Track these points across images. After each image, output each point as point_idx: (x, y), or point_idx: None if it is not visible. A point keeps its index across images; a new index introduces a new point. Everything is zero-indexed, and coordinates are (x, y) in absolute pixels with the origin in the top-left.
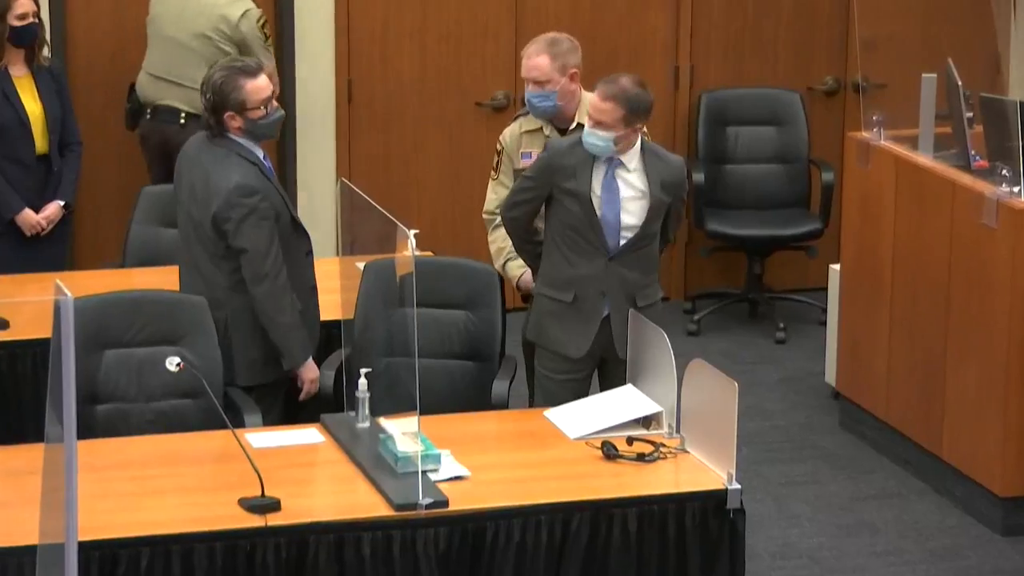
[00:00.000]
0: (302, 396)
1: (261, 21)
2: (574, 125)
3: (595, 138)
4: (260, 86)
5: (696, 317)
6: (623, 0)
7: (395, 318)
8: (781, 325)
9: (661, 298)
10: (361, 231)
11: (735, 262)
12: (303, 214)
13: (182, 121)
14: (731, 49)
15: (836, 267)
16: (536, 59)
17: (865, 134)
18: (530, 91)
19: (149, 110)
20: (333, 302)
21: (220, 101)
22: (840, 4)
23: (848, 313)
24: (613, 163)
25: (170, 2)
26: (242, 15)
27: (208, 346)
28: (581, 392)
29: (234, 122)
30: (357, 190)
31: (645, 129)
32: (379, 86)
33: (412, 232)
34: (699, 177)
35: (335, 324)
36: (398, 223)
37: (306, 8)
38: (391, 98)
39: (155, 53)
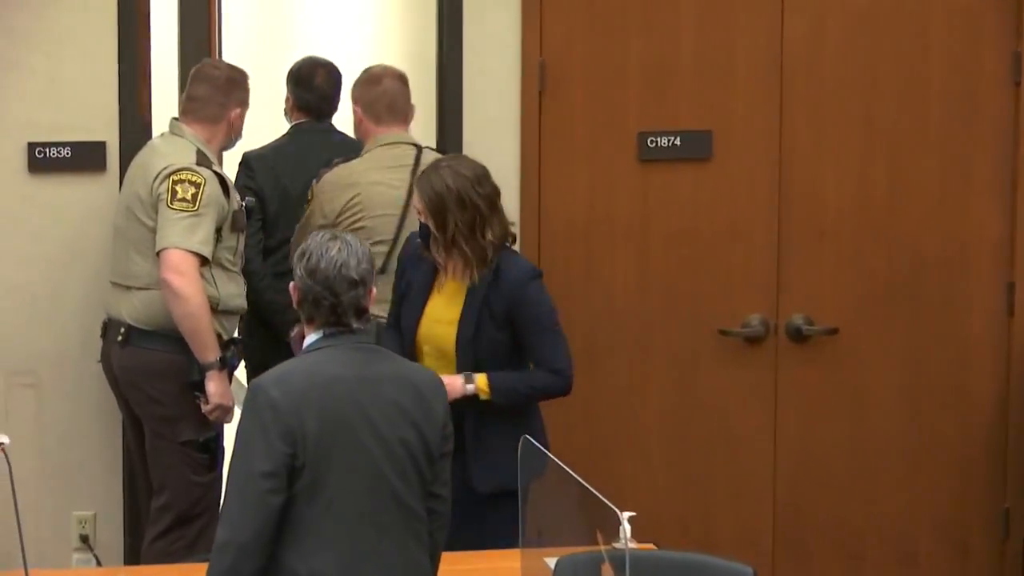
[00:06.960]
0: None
1: (183, 176)
2: None
3: None
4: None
5: None
6: (934, 191)
7: None
8: None
9: None
10: (550, 513)
11: None
12: None
13: (120, 339)
14: None
15: None
16: None
17: None
18: None
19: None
20: None
21: None
22: None
23: None
24: None
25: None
26: (162, 170)
27: None
28: None
29: None
30: (547, 452)
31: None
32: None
33: (626, 515)
34: None
35: None
36: (605, 501)
37: None
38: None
39: None
